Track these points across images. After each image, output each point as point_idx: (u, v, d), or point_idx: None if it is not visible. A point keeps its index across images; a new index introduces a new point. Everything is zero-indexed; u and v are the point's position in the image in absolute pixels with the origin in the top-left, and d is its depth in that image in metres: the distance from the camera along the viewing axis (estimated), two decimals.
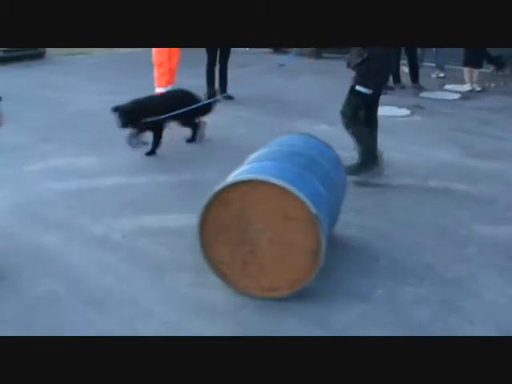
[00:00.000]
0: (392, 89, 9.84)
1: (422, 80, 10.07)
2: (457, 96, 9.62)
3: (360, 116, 5.60)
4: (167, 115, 6.33)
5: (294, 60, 7.59)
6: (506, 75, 10.90)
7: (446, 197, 5.32)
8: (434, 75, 10.90)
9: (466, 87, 9.90)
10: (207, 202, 3.61)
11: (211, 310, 3.63)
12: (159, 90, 8.45)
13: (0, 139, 5.04)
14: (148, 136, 6.51)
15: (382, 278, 3.95)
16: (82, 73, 11.84)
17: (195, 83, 8.08)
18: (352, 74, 5.47)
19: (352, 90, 5.39)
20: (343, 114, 5.49)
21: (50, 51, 13.72)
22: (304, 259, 3.56)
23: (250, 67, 11.24)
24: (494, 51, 10.39)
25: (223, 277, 3.75)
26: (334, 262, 3.96)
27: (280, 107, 8.71)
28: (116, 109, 6.10)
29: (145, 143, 6.51)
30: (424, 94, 9.68)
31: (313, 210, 3.42)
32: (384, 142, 6.07)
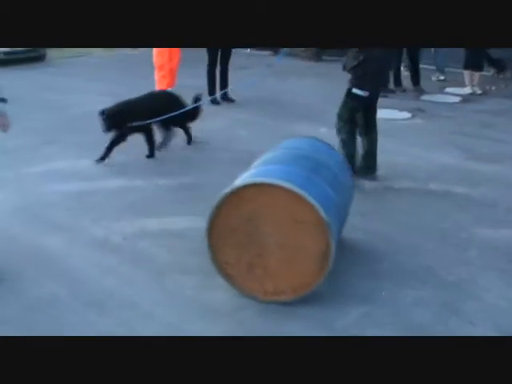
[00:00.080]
0: (393, 92, 9.86)
1: (422, 83, 10.07)
2: (457, 99, 9.62)
3: (358, 120, 5.61)
4: (152, 120, 6.24)
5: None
6: (507, 78, 10.90)
7: (447, 200, 5.32)
8: (434, 78, 10.90)
9: (467, 90, 9.90)
10: (216, 204, 3.59)
11: (213, 312, 3.63)
12: None
13: (2, 141, 5.04)
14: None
15: (383, 280, 3.96)
16: (83, 74, 11.84)
17: (195, 84, 8.09)
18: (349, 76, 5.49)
19: (348, 93, 5.40)
20: (340, 116, 5.49)
21: (51, 53, 13.72)
22: (312, 263, 3.56)
23: (250, 69, 11.22)
24: (494, 54, 10.39)
25: (228, 278, 3.74)
26: (336, 265, 3.96)
27: (280, 110, 8.71)
28: (102, 112, 6.04)
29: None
30: (425, 97, 9.68)
31: (322, 213, 3.41)
32: (385, 145, 6.08)
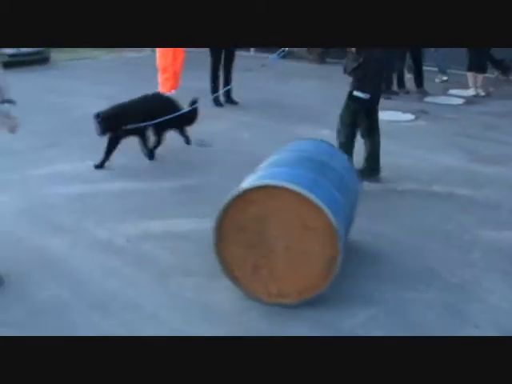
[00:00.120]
0: (396, 94, 9.86)
1: (425, 85, 10.07)
2: (461, 101, 9.62)
3: (360, 122, 5.61)
4: (147, 123, 6.20)
5: (286, 63, 7.55)
6: (511, 80, 10.89)
7: (451, 202, 5.32)
8: (437, 80, 10.89)
9: (471, 92, 9.89)
10: (227, 202, 3.59)
11: (216, 314, 3.63)
12: None
13: (6, 143, 5.06)
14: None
15: (387, 282, 3.96)
16: (87, 77, 11.87)
17: (199, 86, 8.11)
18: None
19: (350, 96, 5.40)
20: (341, 119, 5.49)
21: (55, 56, 13.76)
22: (319, 268, 3.56)
23: (253, 72, 11.24)
24: (497, 55, 10.39)
25: (233, 278, 3.74)
26: (341, 267, 3.95)
27: (283, 112, 8.72)
28: (97, 115, 6.02)
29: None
30: (428, 99, 9.67)
31: (332, 219, 3.41)
32: (388, 147, 6.07)
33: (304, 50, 13.61)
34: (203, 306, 3.71)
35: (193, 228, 4.76)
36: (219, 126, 7.98)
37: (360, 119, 5.59)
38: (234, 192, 3.59)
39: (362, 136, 5.75)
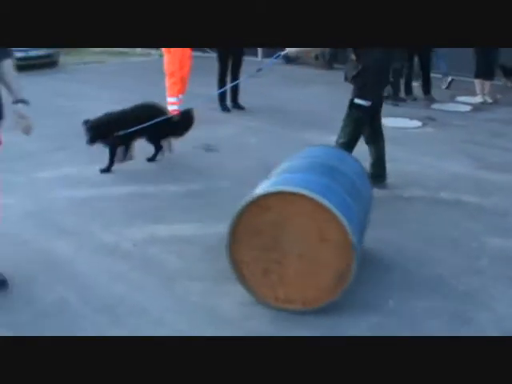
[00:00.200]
0: (404, 100, 9.86)
1: (433, 92, 10.06)
2: (468, 108, 9.60)
3: (364, 129, 5.61)
4: (133, 129, 6.09)
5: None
6: None
7: (458, 209, 5.30)
8: (443, 86, 10.87)
9: (478, 99, 9.87)
10: (244, 205, 3.56)
11: (222, 319, 3.62)
12: (171, 100, 8.50)
13: (14, 146, 5.06)
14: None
15: (394, 289, 3.94)
16: (95, 81, 11.92)
17: (206, 92, 8.11)
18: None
19: (351, 104, 5.40)
20: (343, 128, 5.45)
21: (64, 60, 13.83)
22: (330, 279, 3.55)
23: (261, 77, 11.24)
24: (506, 62, 10.37)
25: (242, 279, 3.72)
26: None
27: (290, 117, 8.73)
28: (86, 122, 5.98)
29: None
30: (435, 106, 9.67)
31: (350, 235, 3.39)
32: (395, 154, 6.07)
33: (311, 56, 13.65)
34: (209, 311, 3.70)
35: (199, 232, 4.77)
36: (226, 131, 7.99)
37: (362, 127, 5.59)
38: (252, 196, 3.57)
39: (367, 142, 5.75)
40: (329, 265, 3.53)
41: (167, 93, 8.55)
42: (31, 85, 10.76)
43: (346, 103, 5.58)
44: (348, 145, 5.26)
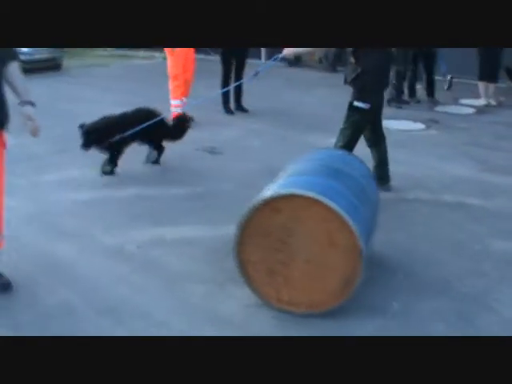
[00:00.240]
0: (407, 103, 9.86)
1: (436, 94, 10.05)
2: (472, 110, 9.59)
3: (365, 132, 5.60)
4: (127, 133, 6.03)
5: (296, 71, 7.52)
6: None
7: (462, 211, 5.28)
8: (445, 87, 10.84)
9: (482, 101, 9.86)
10: (256, 204, 3.54)
11: (225, 321, 3.61)
12: (174, 103, 8.51)
13: (16, 149, 5.06)
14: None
15: (398, 291, 3.93)
16: (98, 84, 11.93)
17: (210, 94, 8.11)
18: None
19: (350, 106, 5.39)
20: (341, 131, 5.43)
21: (67, 63, 13.85)
22: (335, 285, 3.54)
23: (264, 80, 11.24)
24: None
25: (247, 278, 3.69)
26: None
27: (294, 120, 8.72)
28: (82, 126, 5.93)
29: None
30: (439, 109, 9.65)
31: (360, 243, 3.38)
32: (399, 156, 6.06)
33: (314, 59, 13.67)
34: (212, 313, 3.69)
35: (202, 235, 4.76)
36: (230, 133, 7.99)
37: (362, 130, 5.58)
38: (263, 197, 3.55)
39: (369, 145, 5.74)
40: (336, 269, 3.51)
41: (171, 95, 8.55)
42: (35, 87, 10.77)
43: None
44: (347, 147, 5.25)
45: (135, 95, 9.71)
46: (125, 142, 6.15)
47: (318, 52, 13.01)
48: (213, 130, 8.09)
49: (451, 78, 10.86)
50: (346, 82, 5.44)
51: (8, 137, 3.87)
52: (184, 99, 8.51)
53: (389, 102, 9.67)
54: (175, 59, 8.39)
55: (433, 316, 3.65)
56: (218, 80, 9.01)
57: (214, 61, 9.40)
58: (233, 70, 9.00)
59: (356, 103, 5.32)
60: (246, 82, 8.14)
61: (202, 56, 9.74)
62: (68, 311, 3.73)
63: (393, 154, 5.82)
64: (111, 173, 6.22)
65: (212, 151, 7.12)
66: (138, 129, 5.99)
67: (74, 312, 3.72)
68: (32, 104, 3.81)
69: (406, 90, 10.06)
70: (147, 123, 6.03)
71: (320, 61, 13.53)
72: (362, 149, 5.56)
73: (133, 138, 6.15)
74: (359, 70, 5.21)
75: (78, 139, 5.90)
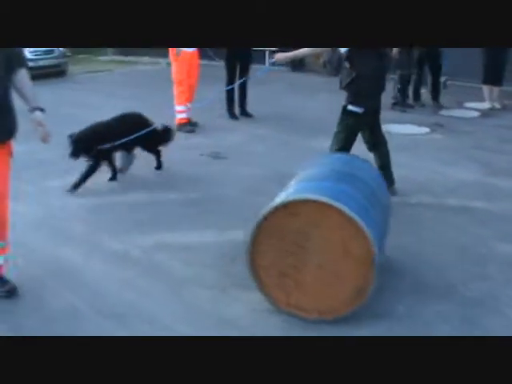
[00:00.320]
0: (412, 107, 9.87)
1: (440, 98, 10.06)
2: (477, 114, 9.59)
3: (364, 136, 5.61)
4: (118, 142, 6.02)
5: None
6: None
7: (467, 215, 5.28)
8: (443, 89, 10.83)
9: (486, 105, 9.86)
10: (273, 207, 3.53)
11: (231, 326, 3.61)
12: (179, 108, 8.55)
13: (23, 156, 5.09)
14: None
15: (403, 295, 3.93)
16: (103, 90, 11.99)
17: (214, 100, 8.13)
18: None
19: (344, 110, 5.40)
20: (335, 134, 5.45)
21: (72, 69, 13.91)
22: (347, 294, 3.54)
23: (268, 85, 11.29)
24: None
25: (258, 280, 3.69)
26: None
27: (297, 125, 8.74)
28: (70, 136, 5.90)
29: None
30: (443, 112, 9.66)
31: (376, 254, 3.38)
32: (403, 160, 6.06)
33: (319, 63, 13.68)
34: (217, 318, 3.70)
35: (207, 240, 4.77)
36: (234, 138, 8.02)
37: (364, 134, 5.59)
38: (281, 200, 3.54)
39: (370, 150, 5.74)
40: (348, 278, 3.50)
41: (175, 101, 8.59)
42: (40, 94, 10.82)
43: None
44: (342, 151, 5.27)
45: (140, 101, 9.76)
46: (114, 150, 6.16)
47: (323, 56, 13.03)
48: (217, 135, 8.13)
49: (446, 79, 10.84)
50: (341, 86, 5.46)
51: (15, 143, 3.90)
52: (188, 105, 8.54)
53: (393, 105, 9.71)
54: (179, 65, 8.43)
55: (438, 319, 3.65)
56: (222, 85, 9.03)
57: (219, 66, 9.43)
58: (237, 75, 9.03)
59: (350, 107, 5.34)
60: (236, 85, 8.14)
61: (206, 62, 9.77)
62: (73, 315, 3.75)
63: (397, 157, 5.83)
64: (113, 178, 6.28)
65: (216, 156, 7.15)
66: (125, 140, 6.00)
67: (80, 316, 3.74)
68: (41, 110, 3.84)
69: (410, 94, 10.07)
70: (135, 135, 6.02)
71: (324, 65, 13.54)
72: (363, 152, 5.56)
73: (121, 145, 6.13)
74: (354, 75, 5.23)
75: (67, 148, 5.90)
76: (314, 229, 3.51)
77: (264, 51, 13.16)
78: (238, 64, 8.98)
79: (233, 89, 9.03)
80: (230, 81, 9.02)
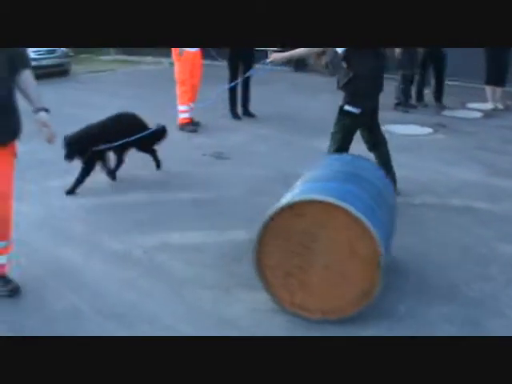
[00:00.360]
0: (415, 107, 9.86)
1: (443, 99, 10.04)
2: (479, 114, 9.57)
3: (363, 137, 5.60)
4: (114, 144, 6.00)
5: (302, 76, 7.53)
6: None
7: (469, 215, 5.27)
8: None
9: (489, 106, 9.85)
10: (280, 207, 3.52)
11: (232, 326, 3.61)
12: (182, 108, 8.55)
13: (24, 155, 5.09)
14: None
15: (404, 295, 3.92)
16: (106, 90, 12.00)
17: (217, 99, 8.13)
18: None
19: (340, 110, 5.40)
20: (332, 135, 5.42)
21: (75, 69, 13.93)
22: (353, 295, 3.53)
23: (271, 85, 11.30)
24: None
25: (264, 280, 3.68)
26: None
27: (299, 125, 8.74)
28: (65, 138, 5.84)
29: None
30: (446, 113, 9.65)
31: (382, 255, 3.36)
32: (406, 160, 6.05)
33: (321, 64, 13.66)
34: (219, 319, 3.70)
35: (209, 240, 4.77)
36: (237, 138, 8.02)
37: (363, 134, 5.57)
38: (287, 201, 3.53)
39: (370, 150, 5.73)
40: (355, 279, 3.49)
41: (178, 101, 8.60)
42: (42, 93, 10.85)
43: None
44: (340, 151, 5.26)
45: (142, 101, 9.77)
46: (108, 150, 6.14)
47: (325, 56, 13.02)
48: (220, 135, 8.13)
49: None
50: (338, 86, 5.45)
51: (18, 144, 3.90)
52: (191, 104, 8.55)
53: (396, 106, 9.70)
54: (182, 65, 8.43)
55: (440, 319, 3.64)
56: (224, 85, 9.03)
57: (221, 66, 9.42)
58: (240, 75, 9.03)
59: (347, 107, 5.33)
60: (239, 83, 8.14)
61: (208, 61, 9.77)
62: (75, 315, 3.75)
63: (400, 158, 5.82)
64: (113, 178, 6.28)
65: (219, 156, 7.14)
66: (120, 142, 5.99)
67: (81, 316, 3.74)
68: (46, 110, 3.84)
69: (413, 95, 10.06)
70: (131, 138, 6.01)
71: (326, 66, 13.53)
72: (366, 153, 5.56)
73: (116, 146, 6.10)
74: (351, 75, 5.22)
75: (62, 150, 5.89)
76: (320, 229, 3.50)
77: (266, 51, 13.15)
78: (241, 64, 8.98)
79: (235, 89, 9.03)
80: (233, 80, 9.02)
